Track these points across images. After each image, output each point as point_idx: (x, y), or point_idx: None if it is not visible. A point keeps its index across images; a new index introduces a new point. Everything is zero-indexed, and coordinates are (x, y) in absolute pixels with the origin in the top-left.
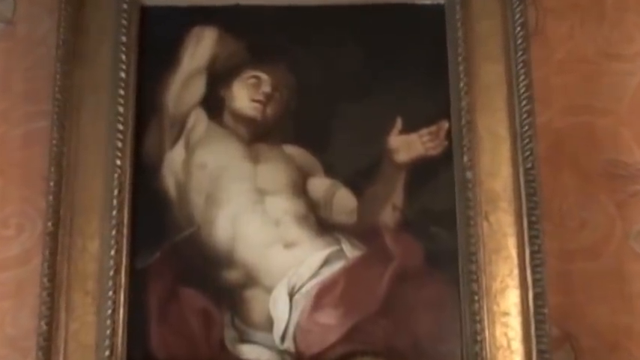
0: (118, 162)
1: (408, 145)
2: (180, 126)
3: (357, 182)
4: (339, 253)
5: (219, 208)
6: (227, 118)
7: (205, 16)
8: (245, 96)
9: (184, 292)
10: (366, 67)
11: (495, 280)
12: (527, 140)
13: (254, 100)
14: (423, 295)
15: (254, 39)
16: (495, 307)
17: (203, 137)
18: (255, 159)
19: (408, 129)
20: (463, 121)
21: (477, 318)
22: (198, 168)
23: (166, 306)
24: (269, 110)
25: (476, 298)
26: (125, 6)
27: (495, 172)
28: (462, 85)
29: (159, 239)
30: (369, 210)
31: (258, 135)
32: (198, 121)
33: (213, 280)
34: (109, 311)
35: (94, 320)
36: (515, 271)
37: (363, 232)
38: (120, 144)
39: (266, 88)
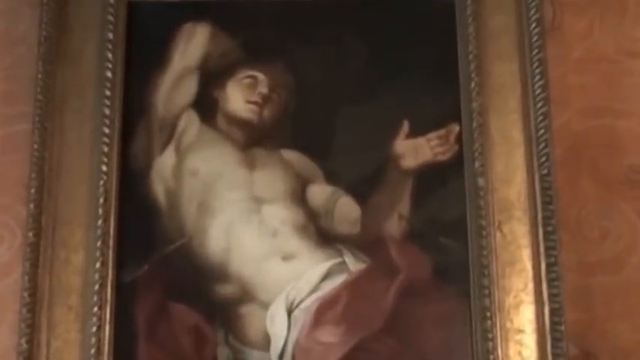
0: (104, 168)
1: (415, 150)
2: (170, 129)
3: (361, 190)
4: (341, 266)
5: (212, 217)
6: (220, 120)
7: (197, 12)
8: (240, 97)
9: (174, 308)
10: (370, 67)
11: (509, 294)
12: (543, 144)
13: (250, 102)
14: (431, 310)
15: (250, 36)
16: (509, 324)
17: (195, 141)
18: (251, 165)
19: (415, 133)
20: (474, 124)
21: (490, 335)
22: (190, 174)
23: (155, 322)
24: (266, 112)
25: (488, 314)
26: (112, 1)
27: (509, 179)
28: (473, 85)
29: (147, 251)
30: (374, 219)
31: (255, 139)
32: (190, 123)
33: (206, 294)
34: (94, 328)
35: (77, 338)
36: (530, 286)
37: (367, 243)
38: (106, 148)
39: (263, 88)
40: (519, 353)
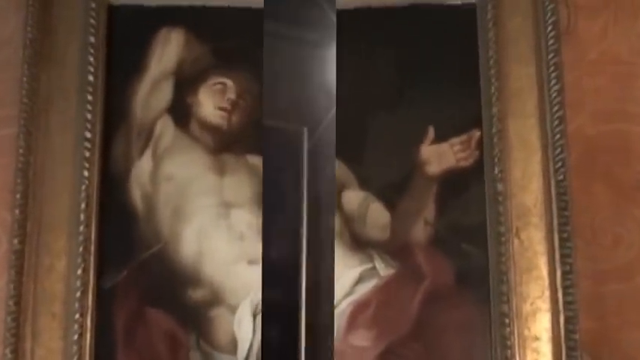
0: (86, 173)
1: (439, 156)
2: (147, 134)
3: (390, 195)
4: (372, 271)
5: (185, 222)
6: (194, 126)
7: (172, 18)
8: (211, 103)
9: (151, 313)
10: (398, 74)
11: (526, 301)
12: (558, 150)
13: (219, 108)
14: (454, 317)
15: (220, 42)
16: (526, 332)
17: (170, 147)
18: (220, 170)
19: (439, 138)
20: (494, 130)
21: (508, 343)
22: (166, 179)
23: (133, 329)
24: (234, 118)
25: (507, 321)
26: (93, 4)
27: (526, 185)
28: (493, 90)
29: (126, 256)
30: (402, 225)
31: (224, 144)
32: (166, 129)
33: (180, 299)
34: (76, 336)
35: (60, 346)
36: (547, 293)
37: (395, 248)
38: (87, 153)
39: (231, 94)
40: None
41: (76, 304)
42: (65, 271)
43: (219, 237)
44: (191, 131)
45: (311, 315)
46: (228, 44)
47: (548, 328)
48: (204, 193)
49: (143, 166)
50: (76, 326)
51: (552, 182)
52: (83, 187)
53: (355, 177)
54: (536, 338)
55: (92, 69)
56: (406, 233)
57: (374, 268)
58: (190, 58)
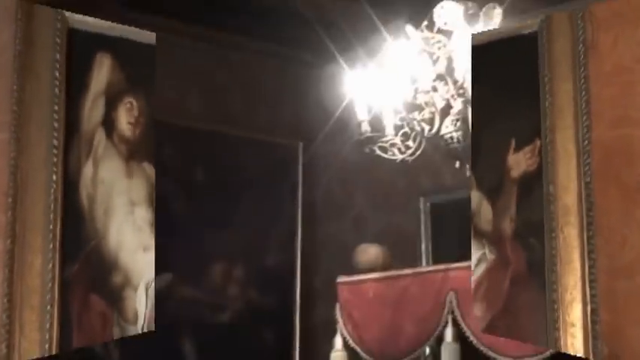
0: (54, 177)
1: (517, 163)
2: (90, 143)
3: (492, 195)
4: (484, 256)
5: (111, 219)
6: (115, 137)
7: (104, 44)
8: (124, 119)
9: (92, 299)
10: (493, 93)
11: (567, 291)
12: (586, 155)
13: (129, 123)
14: (527, 300)
15: (131, 69)
16: (567, 318)
17: (102, 155)
18: (129, 174)
19: (517, 147)
20: (548, 139)
21: (556, 326)
22: (100, 183)
23: (82, 314)
24: (137, 132)
25: (555, 306)
26: (59, 25)
27: (567, 186)
28: (547, 104)
29: (78, 250)
30: (498, 220)
31: (131, 153)
32: (100, 139)
33: (109, 284)
34: (48, 325)
35: (37, 337)
36: (579, 284)
37: (495, 239)
38: (55, 159)
39: (135, 112)
40: (572, 345)
41: (48, 296)
42: (41, 267)
43: (128, 230)
44: (114, 142)
45: (306, 319)
46: (136, 71)
47: (580, 317)
48: (120, 194)
49: (87, 171)
50: (47, 317)
51: (582, 184)
52: (52, 190)
53: (475, 180)
54: (573, 325)
55: (57, 83)
56: (500, 227)
57: (485, 254)
58: (114, 81)
